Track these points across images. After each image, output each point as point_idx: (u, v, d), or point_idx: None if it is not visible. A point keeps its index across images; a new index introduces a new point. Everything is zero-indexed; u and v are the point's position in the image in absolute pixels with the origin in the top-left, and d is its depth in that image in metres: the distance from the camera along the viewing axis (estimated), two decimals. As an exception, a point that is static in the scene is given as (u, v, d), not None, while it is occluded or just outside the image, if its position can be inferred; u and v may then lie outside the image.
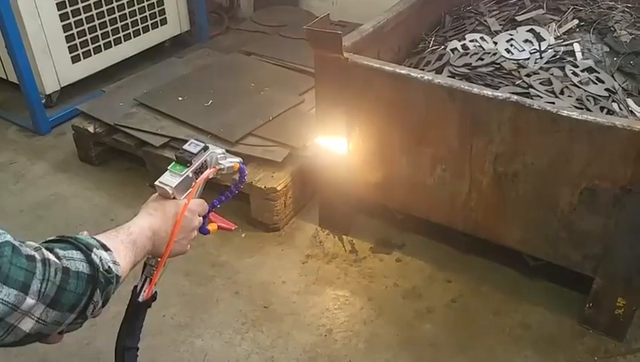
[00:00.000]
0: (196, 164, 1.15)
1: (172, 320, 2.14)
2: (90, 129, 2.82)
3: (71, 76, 3.35)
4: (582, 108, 2.09)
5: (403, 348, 2.03)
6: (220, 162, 1.21)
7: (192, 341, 2.07)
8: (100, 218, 2.62)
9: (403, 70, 2.01)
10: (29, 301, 0.79)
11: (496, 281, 2.25)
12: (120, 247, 0.97)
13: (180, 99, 2.89)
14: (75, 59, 3.32)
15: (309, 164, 2.50)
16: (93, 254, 0.89)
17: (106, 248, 0.92)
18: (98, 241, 0.93)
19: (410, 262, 2.35)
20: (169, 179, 1.11)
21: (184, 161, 1.13)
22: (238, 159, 1.25)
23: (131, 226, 1.04)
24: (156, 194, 1.12)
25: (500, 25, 2.71)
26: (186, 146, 1.16)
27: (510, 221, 2.06)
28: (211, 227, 1.25)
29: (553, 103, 2.03)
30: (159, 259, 1.10)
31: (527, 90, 2.20)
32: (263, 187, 2.40)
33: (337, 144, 2.24)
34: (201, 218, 1.19)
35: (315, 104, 2.23)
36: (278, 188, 2.41)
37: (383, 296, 2.22)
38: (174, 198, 1.11)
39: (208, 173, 1.18)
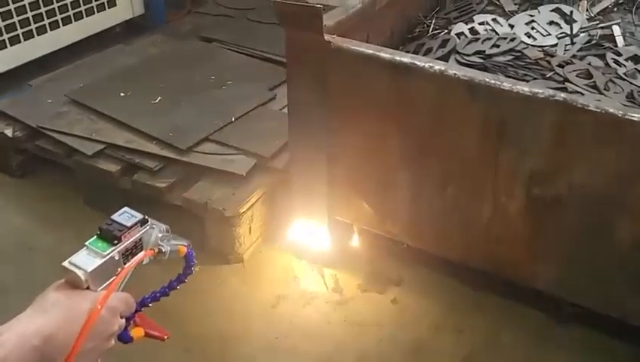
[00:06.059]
0: (127, 242, 0.91)
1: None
2: (8, 133, 2.46)
3: (-7, 67, 2.93)
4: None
5: None
6: (161, 243, 0.97)
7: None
8: (16, 247, 2.21)
9: (405, 58, 1.61)
10: None
11: (521, 329, 1.91)
12: None
13: (122, 95, 2.59)
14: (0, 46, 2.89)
15: (280, 178, 2.12)
16: None
17: None
18: None
19: (411, 304, 2.00)
20: (84, 261, 0.87)
21: (111, 236, 0.90)
22: (185, 242, 1.02)
23: (5, 333, 0.77)
24: (61, 281, 0.87)
25: (516, 4, 2.43)
26: (115, 216, 0.93)
27: (545, 258, 1.72)
28: (135, 333, 1.00)
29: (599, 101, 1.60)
30: None
31: (562, 85, 1.81)
32: (221, 209, 2.04)
33: (316, 154, 1.84)
34: (123, 320, 0.94)
35: (288, 101, 1.90)
36: (241, 211, 2.06)
37: (375, 352, 1.84)
38: (88, 288, 0.87)
39: (142, 256, 0.94)
